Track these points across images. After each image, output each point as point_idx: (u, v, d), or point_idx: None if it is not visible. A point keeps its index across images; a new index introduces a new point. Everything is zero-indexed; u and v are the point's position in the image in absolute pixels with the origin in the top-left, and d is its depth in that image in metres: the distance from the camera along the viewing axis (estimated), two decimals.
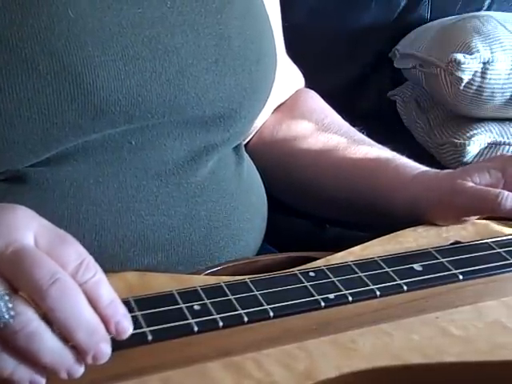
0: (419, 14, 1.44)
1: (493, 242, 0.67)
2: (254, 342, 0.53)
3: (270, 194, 0.80)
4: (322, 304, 0.56)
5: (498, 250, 0.65)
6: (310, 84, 0.95)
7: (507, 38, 1.24)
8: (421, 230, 0.70)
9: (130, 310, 0.50)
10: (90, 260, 0.47)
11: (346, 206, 0.80)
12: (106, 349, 0.46)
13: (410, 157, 0.80)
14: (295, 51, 0.90)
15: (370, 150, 0.81)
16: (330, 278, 0.58)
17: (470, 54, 1.21)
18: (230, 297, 0.54)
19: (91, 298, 0.46)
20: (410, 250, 0.64)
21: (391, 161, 0.78)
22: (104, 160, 0.62)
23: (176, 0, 0.63)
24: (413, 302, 0.59)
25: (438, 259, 0.63)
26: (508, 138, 1.25)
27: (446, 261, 0.63)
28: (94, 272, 0.47)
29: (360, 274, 0.59)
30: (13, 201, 0.51)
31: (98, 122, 0.59)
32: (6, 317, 0.44)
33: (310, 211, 0.87)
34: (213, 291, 0.55)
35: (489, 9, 1.46)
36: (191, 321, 0.51)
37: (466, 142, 1.23)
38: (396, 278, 0.59)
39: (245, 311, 0.53)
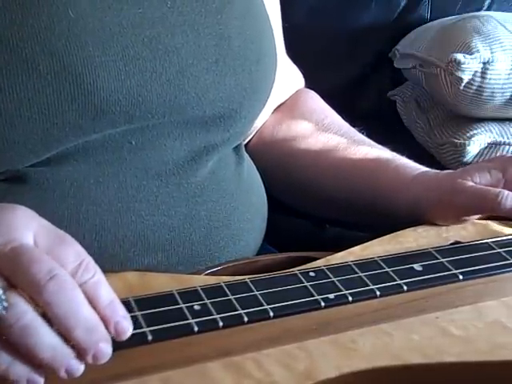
0: (419, 14, 1.45)
1: (493, 242, 0.67)
2: (253, 341, 0.53)
3: (270, 194, 0.80)
4: (322, 304, 0.56)
5: (498, 250, 0.65)
6: (309, 84, 0.95)
7: (507, 38, 1.24)
8: (421, 230, 0.70)
9: (130, 310, 0.50)
10: (89, 261, 0.47)
11: (346, 206, 0.80)
12: (106, 348, 0.46)
13: (409, 157, 0.80)
14: (295, 51, 0.90)
15: (369, 150, 0.81)
16: (330, 278, 0.58)
17: (470, 54, 1.21)
18: (230, 297, 0.54)
19: (90, 298, 0.46)
20: (410, 250, 0.64)
21: (391, 161, 0.78)
22: (104, 160, 0.62)
23: (176, 0, 0.63)
24: (413, 302, 0.59)
25: (438, 259, 0.63)
26: (508, 138, 1.25)
27: (446, 261, 0.63)
28: (93, 272, 0.47)
29: (360, 274, 0.59)
30: (13, 201, 0.51)
31: (98, 122, 0.59)
32: None
33: (310, 211, 0.87)
34: (213, 291, 0.55)
35: (489, 9, 1.46)
36: (191, 321, 0.51)
37: (466, 142, 1.23)
38: (396, 278, 0.59)
39: (245, 311, 0.53)
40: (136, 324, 0.49)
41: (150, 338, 0.49)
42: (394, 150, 0.81)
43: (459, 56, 1.20)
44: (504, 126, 1.27)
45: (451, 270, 0.62)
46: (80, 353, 0.45)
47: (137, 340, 0.49)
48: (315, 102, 0.90)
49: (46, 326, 0.45)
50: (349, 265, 0.60)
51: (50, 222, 0.49)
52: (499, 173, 0.70)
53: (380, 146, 0.82)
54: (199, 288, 0.55)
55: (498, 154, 1.24)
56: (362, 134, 0.85)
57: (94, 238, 0.61)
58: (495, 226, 0.71)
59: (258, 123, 0.86)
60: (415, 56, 1.34)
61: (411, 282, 0.59)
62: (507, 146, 1.24)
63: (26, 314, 0.44)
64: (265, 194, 0.78)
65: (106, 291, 0.47)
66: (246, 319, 0.53)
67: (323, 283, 0.58)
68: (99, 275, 0.47)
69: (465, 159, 1.23)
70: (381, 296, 0.58)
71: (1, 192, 0.59)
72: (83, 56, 0.57)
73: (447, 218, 0.71)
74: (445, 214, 0.70)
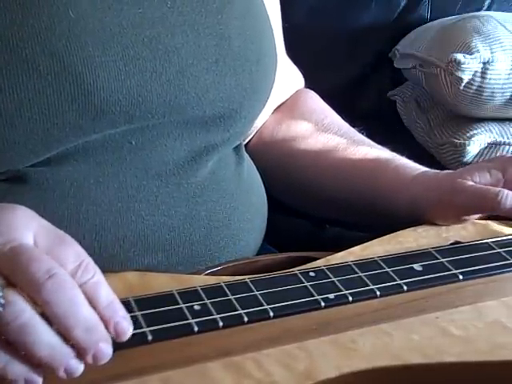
0: (419, 14, 1.45)
1: (493, 242, 0.67)
2: (253, 341, 0.53)
3: (270, 194, 0.80)
4: (322, 304, 0.56)
5: (498, 250, 0.65)
6: (309, 84, 0.95)
7: (507, 38, 1.24)
8: (421, 230, 0.70)
9: (130, 310, 0.50)
10: (88, 261, 0.47)
11: (346, 206, 0.80)
12: (106, 349, 0.46)
13: (409, 157, 0.80)
14: (295, 51, 0.90)
15: (369, 150, 0.81)
16: (330, 278, 0.58)
17: (470, 54, 1.21)
18: (230, 297, 0.54)
19: (90, 299, 0.46)
20: (410, 250, 0.64)
21: (391, 161, 0.78)
22: (104, 160, 0.62)
23: (176, 0, 0.63)
24: (413, 302, 0.59)
25: (438, 259, 0.63)
26: (508, 138, 1.25)
27: (446, 261, 0.63)
28: (92, 273, 0.47)
29: (360, 274, 0.59)
30: (13, 201, 0.51)
31: (98, 123, 0.59)
32: None
33: (310, 211, 0.87)
34: (213, 291, 0.55)
35: (489, 9, 1.46)
36: (191, 321, 0.51)
37: (466, 142, 1.23)
38: (396, 277, 0.59)
39: (245, 311, 0.53)
40: (136, 324, 0.49)
41: (149, 338, 0.49)
42: (393, 150, 0.81)
43: (459, 56, 1.20)
44: (504, 126, 1.27)
45: (451, 270, 0.62)
46: (80, 353, 0.45)
47: (137, 340, 0.48)
48: (315, 102, 0.90)
49: (45, 325, 0.44)
50: (349, 265, 0.60)
51: (50, 222, 0.49)
52: (499, 173, 0.70)
53: (380, 147, 0.82)
54: (199, 288, 0.55)
55: (498, 154, 1.24)
56: (362, 134, 0.85)
57: (94, 238, 0.61)
58: (495, 225, 0.71)
59: (258, 123, 0.86)
60: (415, 56, 1.34)
61: (411, 282, 0.59)
62: (507, 146, 1.24)
63: (23, 311, 0.44)
64: (265, 194, 0.78)
65: (106, 292, 0.47)
66: (245, 319, 0.53)
67: (323, 283, 0.58)
68: (99, 276, 0.47)
69: (465, 159, 1.23)
70: (381, 296, 0.58)
71: (1, 192, 0.59)
72: (83, 56, 0.57)
73: (447, 218, 0.71)
74: (445, 213, 0.70)
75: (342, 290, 0.57)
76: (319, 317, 0.56)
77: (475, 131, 1.24)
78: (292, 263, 0.63)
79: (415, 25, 1.43)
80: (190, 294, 0.54)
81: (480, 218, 0.72)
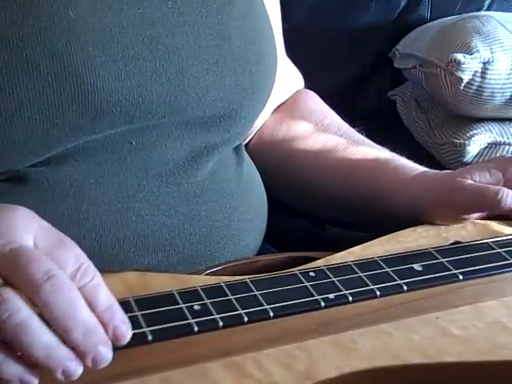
0: (419, 14, 1.45)
1: (493, 242, 0.67)
2: (254, 341, 0.53)
3: (270, 194, 0.80)
4: (322, 304, 0.56)
5: (498, 250, 0.65)
6: (309, 84, 0.95)
7: (507, 38, 1.24)
8: (421, 230, 0.70)
9: (130, 310, 0.50)
10: (88, 264, 0.47)
11: (346, 206, 0.80)
12: (106, 352, 0.45)
13: (409, 157, 0.80)
14: (295, 51, 0.90)
15: (369, 150, 0.81)
16: (330, 278, 0.58)
17: (470, 54, 1.21)
18: (230, 297, 0.54)
19: (89, 302, 0.46)
20: (410, 250, 0.64)
21: (390, 161, 0.78)
22: (104, 160, 0.62)
23: (177, 0, 0.63)
24: (413, 302, 0.59)
25: (438, 259, 0.63)
26: (508, 138, 1.25)
27: (446, 261, 0.63)
28: (91, 276, 0.47)
29: (360, 274, 0.59)
30: (13, 201, 0.51)
31: (98, 123, 0.59)
32: None
33: (310, 211, 0.87)
34: (213, 291, 0.55)
35: (489, 9, 1.46)
36: (191, 321, 0.51)
37: (466, 142, 1.23)
38: (396, 277, 0.59)
39: (245, 311, 0.53)
40: (136, 324, 0.49)
41: (149, 337, 0.49)
42: (393, 150, 0.81)
43: (459, 56, 1.20)
44: (504, 126, 1.27)
45: (451, 270, 0.62)
46: (79, 356, 0.45)
47: (137, 340, 0.48)
48: (315, 102, 0.90)
49: (43, 325, 0.44)
50: (349, 265, 0.60)
51: (50, 222, 0.49)
52: (499, 172, 0.70)
53: (379, 147, 0.82)
54: (199, 288, 0.55)
55: (497, 154, 1.24)
56: (362, 134, 0.85)
57: (93, 238, 0.61)
58: (495, 225, 0.71)
59: (258, 123, 0.86)
60: (415, 56, 1.34)
61: (411, 281, 0.59)
62: (507, 146, 1.24)
63: (19, 309, 0.44)
64: (265, 194, 0.78)
65: (105, 295, 0.47)
66: (246, 319, 0.53)
67: (323, 283, 0.58)
68: (98, 279, 0.47)
69: (465, 159, 1.23)
70: (381, 296, 0.58)
71: (1, 192, 0.59)
72: (83, 56, 0.57)
73: (447, 218, 0.71)
74: (444, 213, 0.70)
75: (342, 290, 0.57)
76: (319, 317, 0.56)
77: (475, 131, 1.25)
78: (292, 263, 0.63)
79: (415, 25, 1.43)
80: (189, 294, 0.54)
81: (480, 218, 0.72)
